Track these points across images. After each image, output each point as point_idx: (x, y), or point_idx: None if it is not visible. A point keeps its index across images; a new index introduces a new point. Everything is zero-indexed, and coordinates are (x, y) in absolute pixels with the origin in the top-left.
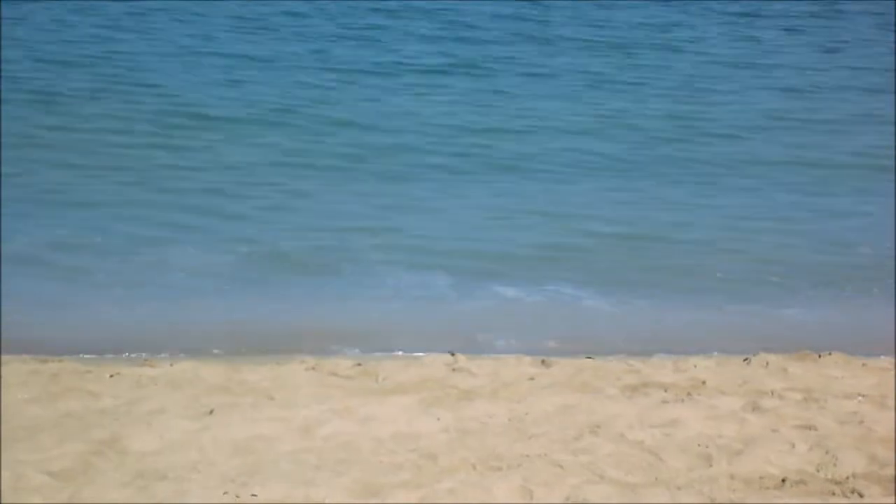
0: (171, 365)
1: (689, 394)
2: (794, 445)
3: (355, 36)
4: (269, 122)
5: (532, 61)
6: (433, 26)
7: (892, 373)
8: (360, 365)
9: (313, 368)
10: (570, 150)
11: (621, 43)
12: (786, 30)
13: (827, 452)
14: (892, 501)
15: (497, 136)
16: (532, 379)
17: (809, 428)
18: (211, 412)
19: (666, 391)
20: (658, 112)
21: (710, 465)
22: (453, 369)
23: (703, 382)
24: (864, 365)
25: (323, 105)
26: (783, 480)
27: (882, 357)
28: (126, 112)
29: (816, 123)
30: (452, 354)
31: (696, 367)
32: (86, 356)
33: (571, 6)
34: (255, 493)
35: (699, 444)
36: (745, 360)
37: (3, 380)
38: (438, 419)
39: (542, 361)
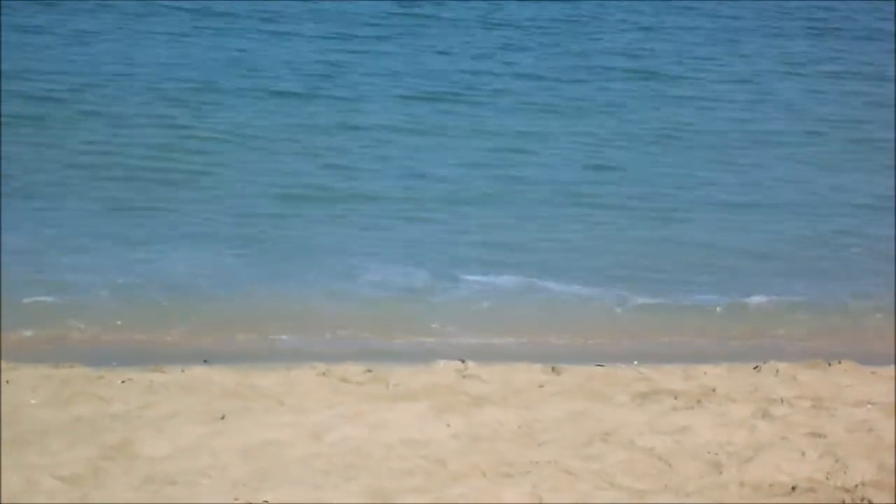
0: (183, 371)
1: (699, 401)
2: (804, 453)
3: None
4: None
5: None
6: None
7: None
8: (370, 371)
9: (324, 374)
10: None
11: None
12: None
13: (837, 460)
14: None
15: None
16: (542, 386)
17: (819, 436)
18: (222, 417)
19: (676, 398)
20: None
21: (721, 473)
22: (463, 376)
23: (714, 390)
24: (873, 373)
25: None
26: (793, 488)
27: (892, 366)
28: None
29: None
30: (463, 361)
31: (706, 374)
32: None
33: None
34: (266, 499)
35: (709, 452)
36: (755, 367)
37: (13, 385)
38: (449, 425)
39: (553, 368)
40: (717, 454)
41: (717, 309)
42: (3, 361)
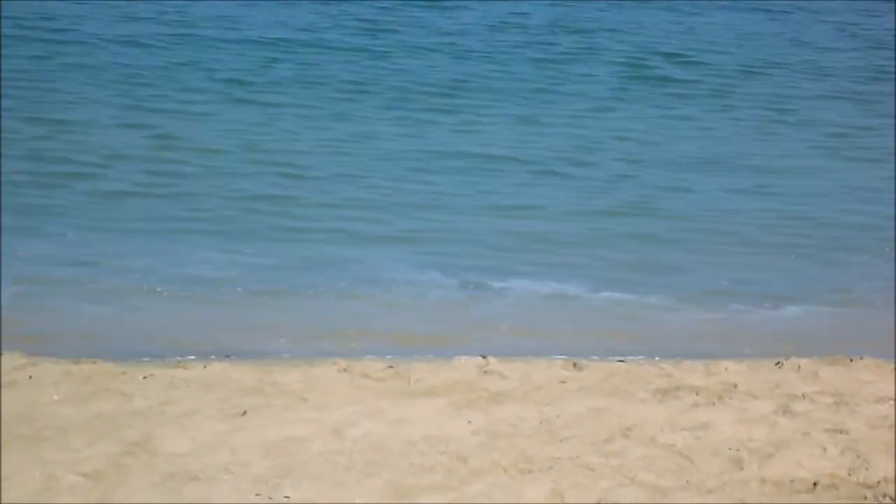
0: (205, 367)
1: (720, 397)
2: (825, 449)
3: None
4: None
5: None
6: None
7: None
8: (391, 367)
9: (345, 370)
10: None
11: None
12: None
13: (858, 456)
14: None
15: None
16: (563, 382)
17: (841, 432)
18: (243, 413)
19: (697, 394)
20: None
21: (742, 469)
22: (484, 372)
23: (735, 386)
24: (895, 369)
25: None
26: (814, 484)
27: None
28: None
29: None
30: (484, 357)
31: (727, 370)
32: (119, 359)
33: None
34: (287, 495)
35: (730, 448)
36: (776, 363)
37: (35, 380)
38: (469, 421)
39: (574, 364)
40: (738, 450)
41: (741, 308)
42: (25, 357)
